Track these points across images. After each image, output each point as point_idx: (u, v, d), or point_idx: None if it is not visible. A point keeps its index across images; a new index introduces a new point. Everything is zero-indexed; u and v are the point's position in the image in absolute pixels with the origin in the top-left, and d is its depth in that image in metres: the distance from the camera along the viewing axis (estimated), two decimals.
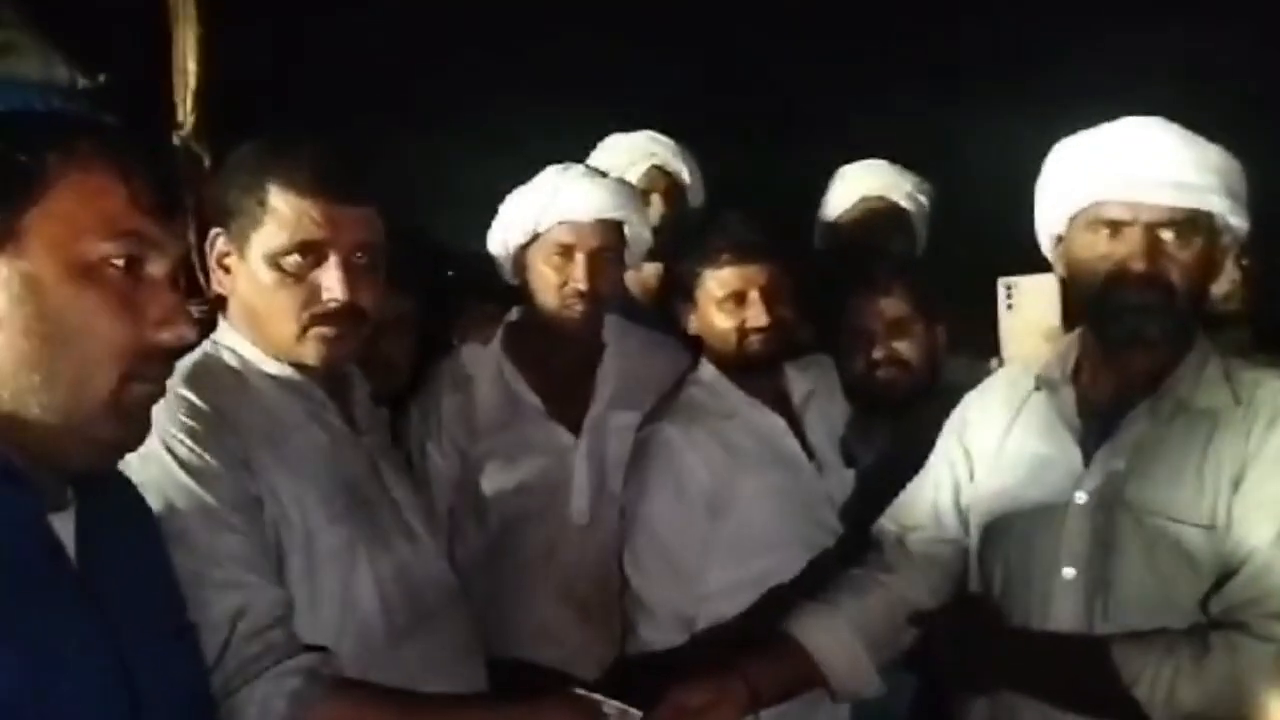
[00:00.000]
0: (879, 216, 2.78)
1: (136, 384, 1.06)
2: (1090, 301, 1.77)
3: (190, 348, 1.11)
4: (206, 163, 2.48)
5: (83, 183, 1.03)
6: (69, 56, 2.67)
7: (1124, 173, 1.70)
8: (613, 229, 2.29)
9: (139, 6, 2.57)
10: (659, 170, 2.79)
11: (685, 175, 2.81)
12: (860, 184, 2.82)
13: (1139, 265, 1.69)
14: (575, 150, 2.52)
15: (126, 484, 1.24)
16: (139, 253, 1.05)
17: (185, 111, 2.50)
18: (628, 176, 2.59)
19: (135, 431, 1.09)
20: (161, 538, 1.26)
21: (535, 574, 2.25)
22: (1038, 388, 1.87)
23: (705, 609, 2.15)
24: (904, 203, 2.79)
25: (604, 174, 2.37)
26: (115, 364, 1.04)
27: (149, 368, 1.07)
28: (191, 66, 2.50)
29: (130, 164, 1.05)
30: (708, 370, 2.26)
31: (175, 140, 2.49)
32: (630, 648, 2.13)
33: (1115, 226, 1.71)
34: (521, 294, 2.35)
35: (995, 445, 1.89)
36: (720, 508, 2.15)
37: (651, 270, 2.73)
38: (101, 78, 2.66)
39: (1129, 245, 1.70)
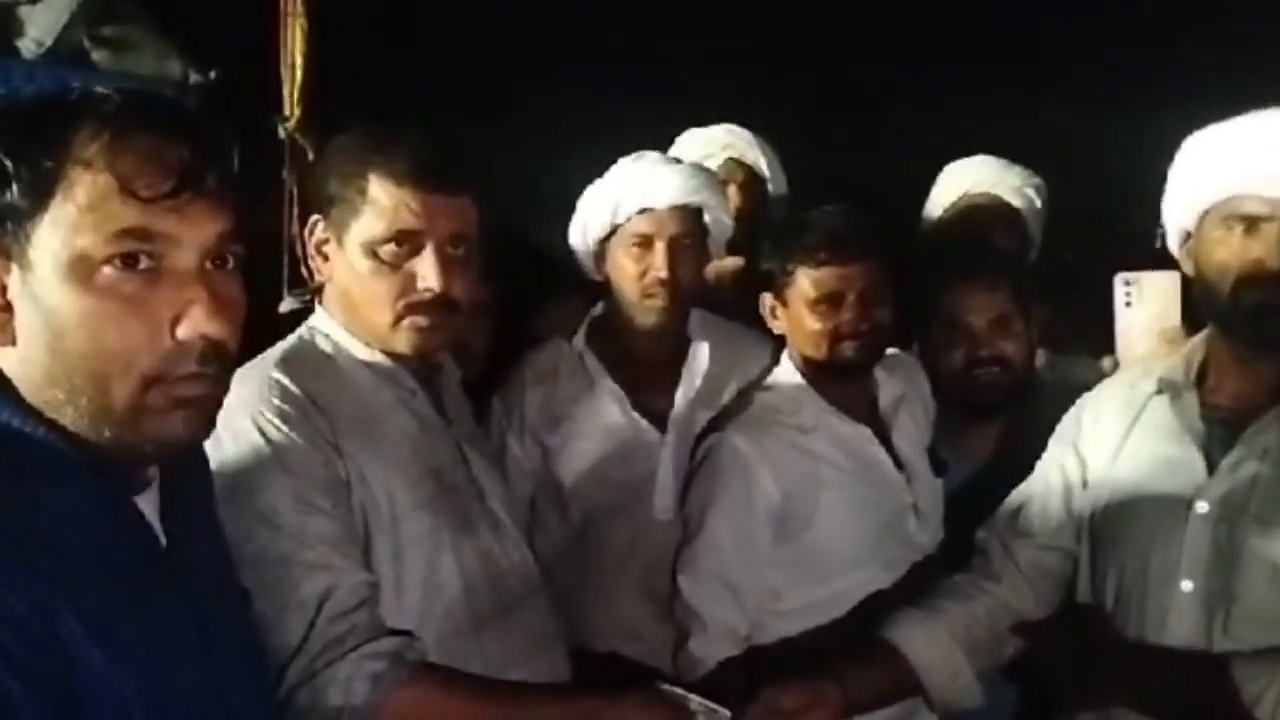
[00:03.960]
0: (984, 212, 2.64)
1: (163, 387, 0.99)
2: (1220, 301, 1.67)
3: (259, 321, 1.05)
4: (311, 155, 2.51)
5: (76, 181, 0.96)
6: (183, 52, 2.72)
7: (1262, 166, 1.61)
8: (691, 215, 2.23)
9: (248, 3, 2.62)
10: (736, 162, 2.72)
11: (763, 166, 2.75)
12: (964, 180, 2.70)
13: (1275, 264, 1.60)
14: (658, 145, 2.45)
15: (200, 456, 1.21)
16: (144, 249, 0.97)
17: (291, 105, 2.54)
18: None
19: (180, 429, 1.01)
20: (214, 497, 1.23)
21: (617, 569, 2.21)
22: (1159, 391, 1.78)
23: (785, 626, 2.06)
24: (1011, 198, 2.64)
25: (678, 160, 2.32)
26: (131, 372, 0.97)
27: (177, 368, 0.99)
28: (298, 61, 2.53)
29: (132, 151, 0.97)
30: (789, 375, 2.15)
31: (281, 133, 2.53)
32: (681, 661, 2.03)
33: (1251, 222, 1.62)
34: (604, 289, 2.32)
35: (1111, 451, 1.80)
36: (792, 525, 2.05)
37: (731, 263, 2.66)
38: (213, 73, 2.71)
39: (1265, 243, 1.61)
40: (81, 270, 0.96)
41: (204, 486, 1.21)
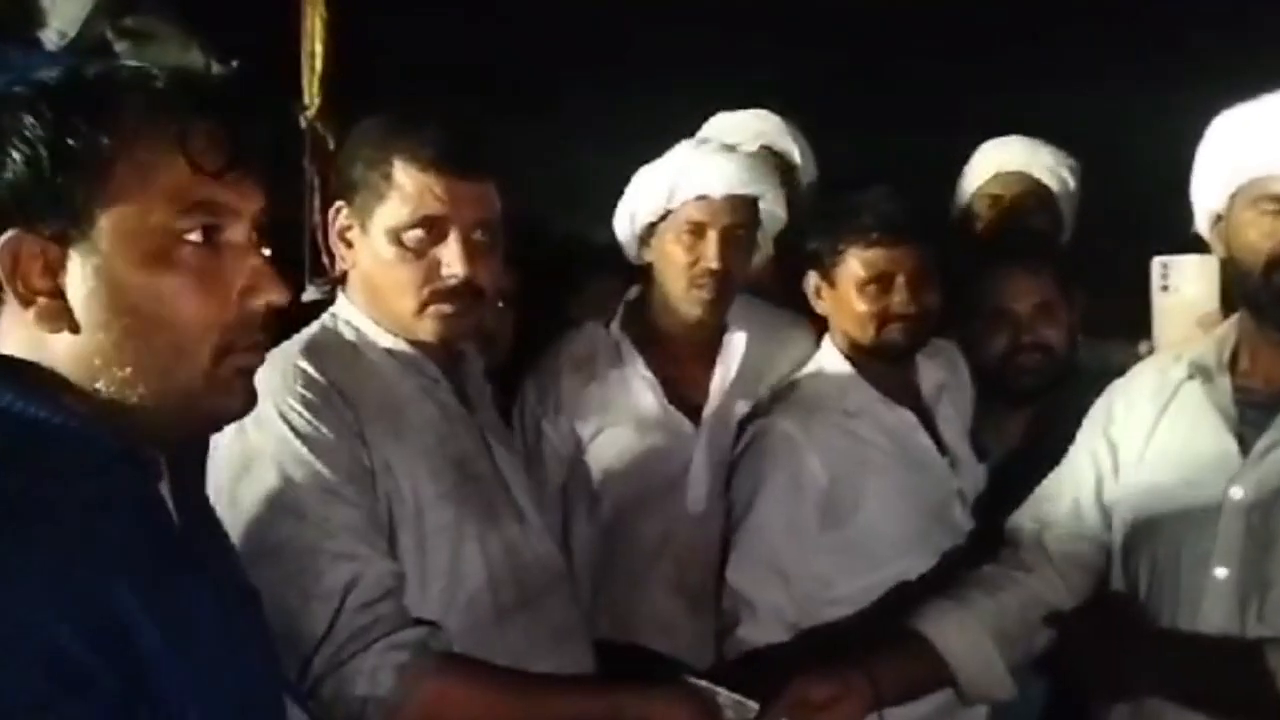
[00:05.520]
0: (1016, 191, 2.60)
1: (232, 357, 1.01)
2: (1251, 284, 1.64)
3: (282, 311, 1.05)
4: (331, 144, 2.51)
5: (139, 158, 0.96)
6: (204, 43, 2.72)
7: None
8: (747, 205, 2.17)
9: None
10: (768, 150, 2.64)
11: (795, 154, 2.68)
12: (996, 158, 2.66)
13: None
14: (684, 131, 2.40)
15: (201, 451, 1.23)
16: (212, 221, 0.99)
17: (311, 94, 2.54)
18: None
19: (238, 401, 1.04)
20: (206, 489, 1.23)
21: (648, 562, 2.17)
22: (1190, 376, 1.75)
23: (832, 614, 2.04)
24: (1044, 178, 2.61)
25: (735, 148, 2.26)
26: (206, 343, 0.99)
27: (242, 338, 1.01)
28: (318, 49, 2.53)
29: (187, 127, 0.97)
30: (832, 359, 2.14)
31: (301, 122, 2.53)
32: (729, 648, 2.02)
33: None
34: (644, 274, 2.26)
35: (1143, 437, 1.78)
36: (839, 510, 2.03)
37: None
38: (234, 63, 2.71)
39: None
40: (154, 244, 0.96)
41: (202, 480, 1.22)
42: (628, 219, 2.23)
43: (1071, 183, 2.61)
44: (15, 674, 0.82)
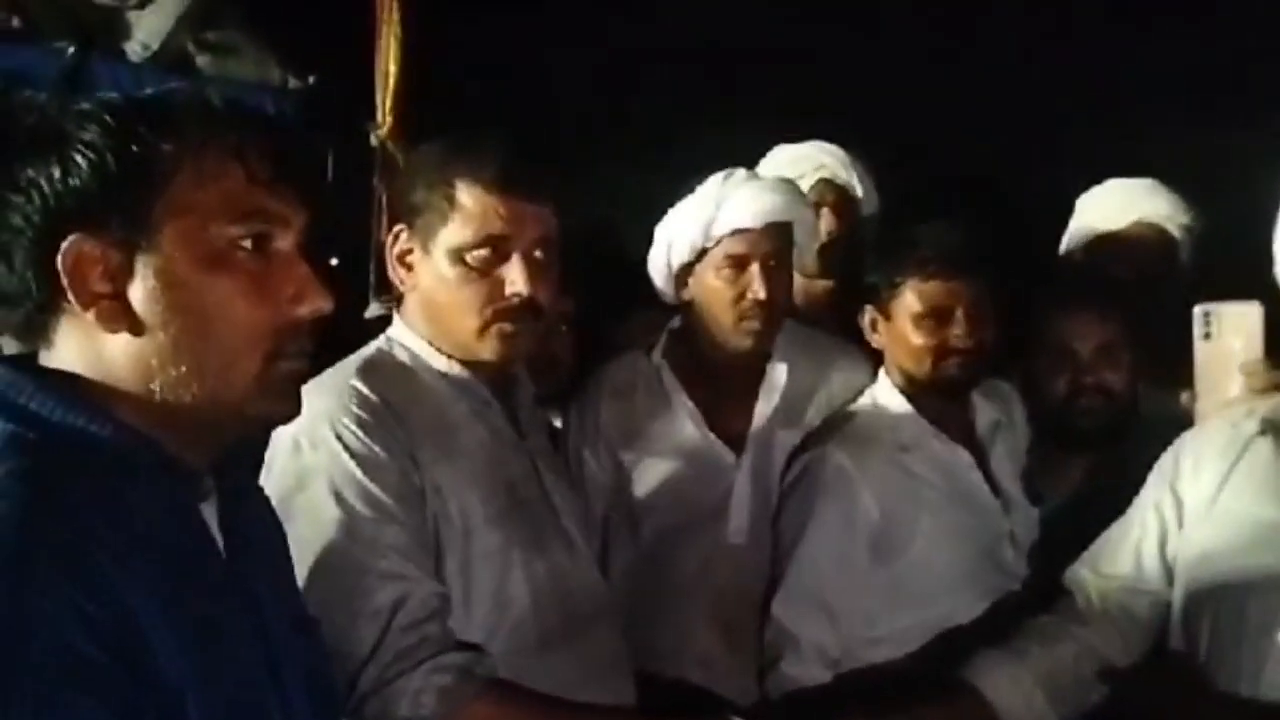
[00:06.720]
0: (1152, 241, 2.54)
1: (281, 362, 1.05)
2: None
3: (328, 319, 1.09)
4: (402, 163, 2.53)
5: (200, 168, 1.01)
6: (282, 59, 2.77)
7: None
8: (782, 232, 2.15)
9: (346, 11, 2.66)
10: (828, 183, 2.63)
11: (856, 186, 2.66)
12: (1139, 205, 2.58)
13: None
14: (743, 160, 2.37)
15: (255, 480, 1.24)
16: (265, 230, 1.04)
17: (384, 113, 2.57)
18: None
19: (287, 406, 1.07)
20: (284, 533, 1.24)
21: (686, 592, 2.14)
22: (1262, 431, 1.70)
23: (874, 654, 2.00)
24: (1177, 234, 2.55)
25: (762, 176, 2.24)
26: (258, 346, 1.03)
27: (291, 344, 1.05)
28: (392, 69, 2.56)
29: (243, 140, 1.03)
30: (887, 393, 2.11)
31: (373, 140, 2.56)
32: (771, 683, 1.98)
33: None
34: (685, 311, 2.23)
35: (1210, 493, 1.72)
36: (888, 548, 1.99)
37: (821, 286, 2.61)
38: (310, 79, 2.75)
39: None
40: (211, 249, 1.01)
41: (263, 513, 1.22)
42: (663, 261, 2.20)
43: (1192, 242, 2.56)
44: (26, 664, 0.84)
